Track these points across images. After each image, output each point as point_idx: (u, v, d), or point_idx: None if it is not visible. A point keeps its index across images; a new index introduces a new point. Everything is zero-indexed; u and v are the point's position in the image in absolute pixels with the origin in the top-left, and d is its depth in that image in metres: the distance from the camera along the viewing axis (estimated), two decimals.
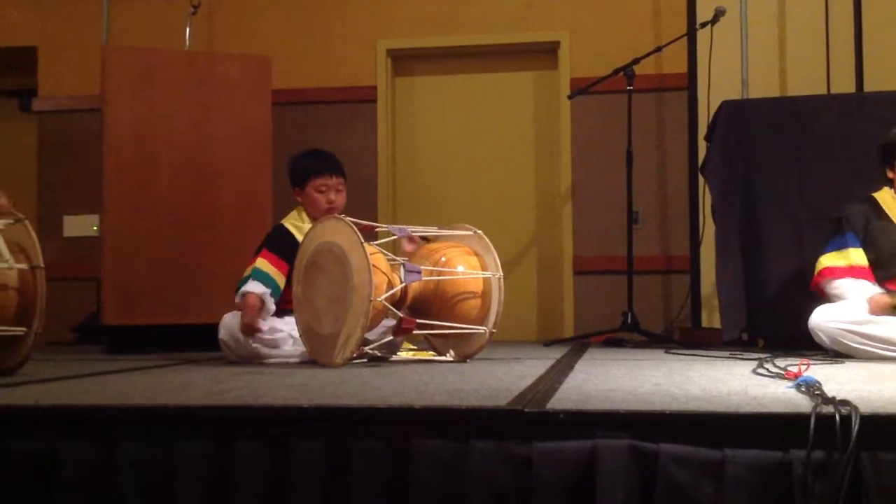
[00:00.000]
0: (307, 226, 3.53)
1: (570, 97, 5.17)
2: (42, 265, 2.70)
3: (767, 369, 2.62)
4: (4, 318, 2.66)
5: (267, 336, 3.36)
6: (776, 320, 4.00)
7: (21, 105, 6.04)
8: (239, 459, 1.77)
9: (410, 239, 3.37)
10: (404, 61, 5.82)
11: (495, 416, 1.73)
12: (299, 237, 3.44)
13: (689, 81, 5.10)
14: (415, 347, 3.60)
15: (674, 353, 3.66)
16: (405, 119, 5.81)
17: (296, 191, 3.66)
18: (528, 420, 1.71)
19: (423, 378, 2.48)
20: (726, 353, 3.47)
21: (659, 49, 4.81)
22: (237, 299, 3.41)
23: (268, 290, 3.40)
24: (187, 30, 4.84)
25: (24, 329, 2.67)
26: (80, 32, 5.72)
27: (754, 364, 2.82)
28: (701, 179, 4.55)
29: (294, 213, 3.64)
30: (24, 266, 2.68)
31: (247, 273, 3.45)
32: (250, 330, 3.31)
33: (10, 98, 6.25)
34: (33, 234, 2.75)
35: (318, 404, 1.82)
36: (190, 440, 1.78)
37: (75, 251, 5.53)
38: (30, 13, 5.88)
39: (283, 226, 3.61)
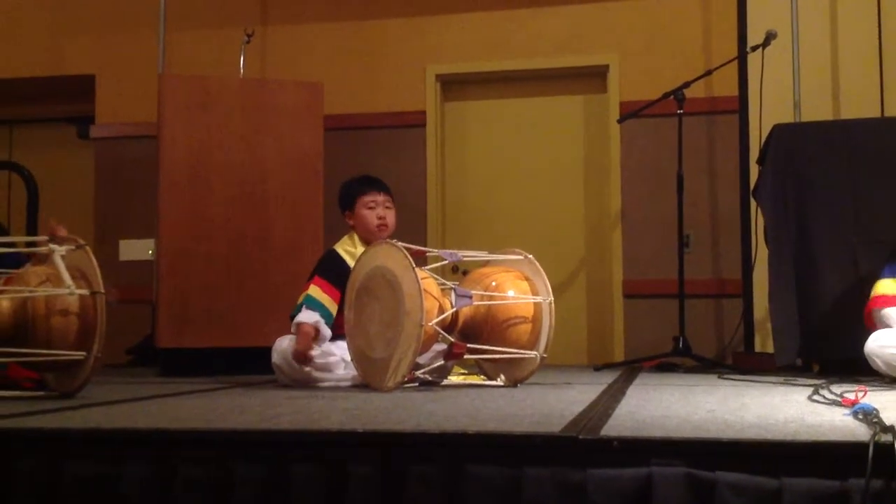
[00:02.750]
0: (359, 250, 3.55)
1: (619, 121, 5.17)
2: (102, 291, 2.75)
3: (823, 396, 2.58)
4: (65, 343, 2.71)
5: (319, 360, 3.38)
6: (831, 345, 3.94)
7: (79, 132, 6.18)
8: (294, 483, 1.79)
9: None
10: (453, 86, 5.86)
11: (549, 442, 1.73)
12: (351, 262, 3.47)
13: (740, 104, 5.08)
14: (465, 371, 3.61)
15: (727, 379, 3.62)
16: (454, 143, 5.85)
17: (346, 214, 3.70)
18: (582, 447, 1.71)
19: (474, 403, 2.49)
20: (781, 379, 3.43)
21: (709, 72, 4.79)
22: (292, 329, 3.45)
23: (321, 319, 3.42)
24: (241, 58, 4.92)
25: (84, 353, 2.72)
26: (136, 61, 5.84)
27: (809, 390, 2.78)
28: (753, 203, 4.51)
29: (346, 238, 3.68)
30: (84, 292, 2.74)
31: (300, 300, 3.49)
32: (303, 358, 3.34)
33: (69, 125, 6.39)
34: (94, 260, 2.81)
35: (373, 429, 1.84)
36: (246, 463, 1.80)
37: (131, 275, 5.62)
38: (88, 43, 6.02)
39: (334, 251, 3.65)
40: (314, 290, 3.48)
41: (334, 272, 3.48)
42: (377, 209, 3.63)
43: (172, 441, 1.82)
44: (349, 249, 3.62)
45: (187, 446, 1.81)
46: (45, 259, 2.88)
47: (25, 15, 6.09)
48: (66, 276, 2.72)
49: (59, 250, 2.79)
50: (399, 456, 1.77)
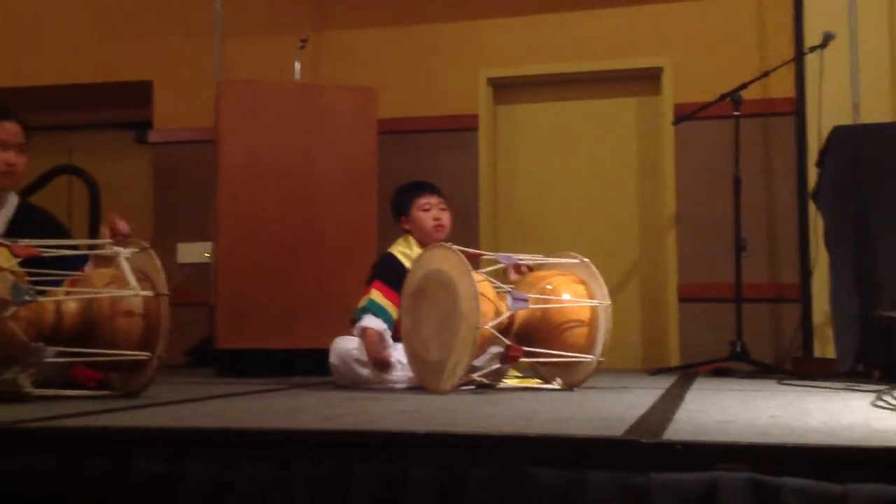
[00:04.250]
0: (415, 252, 3.59)
1: (674, 123, 5.13)
2: (166, 292, 2.80)
3: (887, 401, 2.54)
4: (130, 343, 2.76)
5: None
6: (893, 351, 3.87)
7: (137, 137, 6.30)
8: (354, 483, 1.81)
9: (517, 268, 3.39)
10: (505, 89, 5.86)
11: (611, 446, 1.73)
12: (408, 265, 3.51)
13: (797, 106, 5.02)
14: (520, 375, 3.60)
15: (787, 384, 3.58)
16: (506, 146, 5.85)
17: (402, 220, 3.72)
18: (644, 451, 1.70)
19: (532, 406, 2.49)
20: (842, 385, 3.38)
21: (766, 74, 4.74)
22: (356, 332, 3.48)
23: (385, 325, 3.46)
24: (296, 63, 4.98)
25: (149, 354, 2.77)
26: (193, 66, 5.94)
27: (872, 396, 2.73)
28: (811, 206, 4.46)
29: (401, 241, 3.70)
30: (148, 293, 2.79)
31: (362, 303, 3.52)
32: (383, 364, 3.36)
33: (127, 130, 6.51)
34: (157, 262, 2.86)
35: (433, 430, 1.85)
36: (308, 463, 1.82)
37: (189, 277, 5.71)
38: (146, 49, 6.13)
39: (391, 254, 3.67)
40: (376, 295, 3.51)
41: (394, 275, 3.50)
42: (432, 211, 3.65)
43: (237, 440, 1.85)
44: (406, 252, 3.64)
45: (251, 446, 1.83)
46: (110, 261, 2.94)
47: (84, 22, 6.22)
48: (131, 277, 2.77)
49: (124, 252, 2.85)
50: (459, 458, 1.77)
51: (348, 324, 3.56)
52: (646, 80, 5.65)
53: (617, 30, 5.59)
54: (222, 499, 1.83)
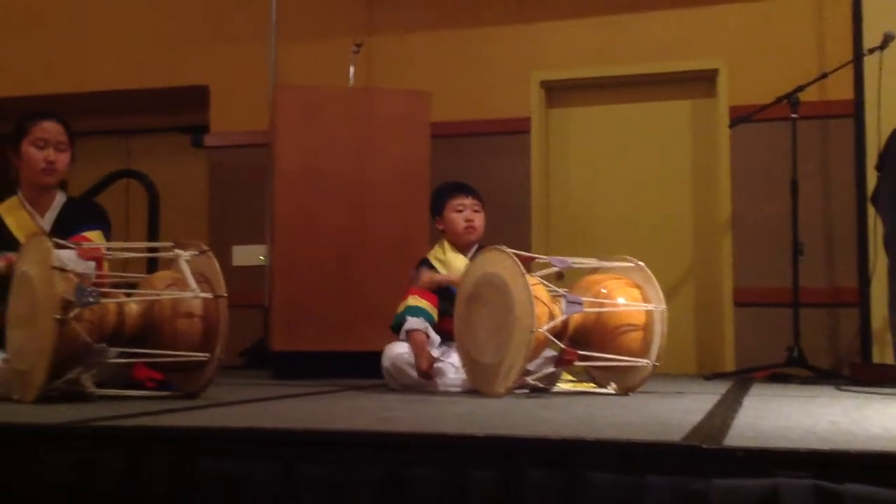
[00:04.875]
0: (448, 256, 3.67)
1: (731, 125, 5.07)
2: (225, 294, 2.85)
3: None
4: (190, 344, 2.81)
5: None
6: None
7: (193, 141, 6.38)
8: (413, 485, 1.82)
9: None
10: (558, 92, 5.85)
11: (671, 451, 1.72)
12: (442, 270, 3.61)
13: (856, 109, 4.93)
14: (574, 378, 3.59)
15: (846, 390, 3.52)
16: (559, 150, 5.84)
17: (437, 220, 3.78)
18: (705, 456, 1.69)
19: (587, 410, 2.49)
20: None
21: (825, 76, 4.67)
22: (402, 337, 3.51)
23: (426, 323, 3.49)
24: (351, 68, 5.02)
25: (208, 355, 2.82)
26: (249, 71, 6.01)
27: None
28: (870, 209, 4.38)
29: (437, 248, 3.76)
30: (208, 295, 2.84)
31: (400, 310, 3.55)
32: (428, 371, 3.38)
33: (183, 134, 6.61)
34: (216, 264, 2.91)
35: (492, 433, 1.86)
36: (366, 464, 1.84)
37: (243, 280, 5.78)
38: (203, 54, 6.22)
39: (427, 260, 3.72)
40: (414, 300, 3.55)
41: None
42: (465, 212, 3.68)
43: (301, 441, 1.87)
44: (439, 257, 3.70)
45: (314, 446, 1.86)
46: (170, 264, 3.00)
47: (144, 28, 6.32)
48: (191, 280, 2.82)
49: (185, 255, 2.90)
50: (517, 461, 1.78)
51: (391, 332, 3.60)
52: (701, 83, 5.60)
53: (671, 31, 5.55)
54: (285, 499, 1.85)
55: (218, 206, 6.12)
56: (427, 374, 3.38)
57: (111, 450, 1.89)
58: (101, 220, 3.28)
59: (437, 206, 3.77)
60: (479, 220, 3.70)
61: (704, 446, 1.71)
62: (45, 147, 3.19)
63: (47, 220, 3.23)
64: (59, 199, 3.29)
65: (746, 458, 1.66)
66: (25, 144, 3.20)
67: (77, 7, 6.43)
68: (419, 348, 3.42)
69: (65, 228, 3.13)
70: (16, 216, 3.22)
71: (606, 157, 5.74)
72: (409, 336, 3.47)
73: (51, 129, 3.22)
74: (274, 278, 4.63)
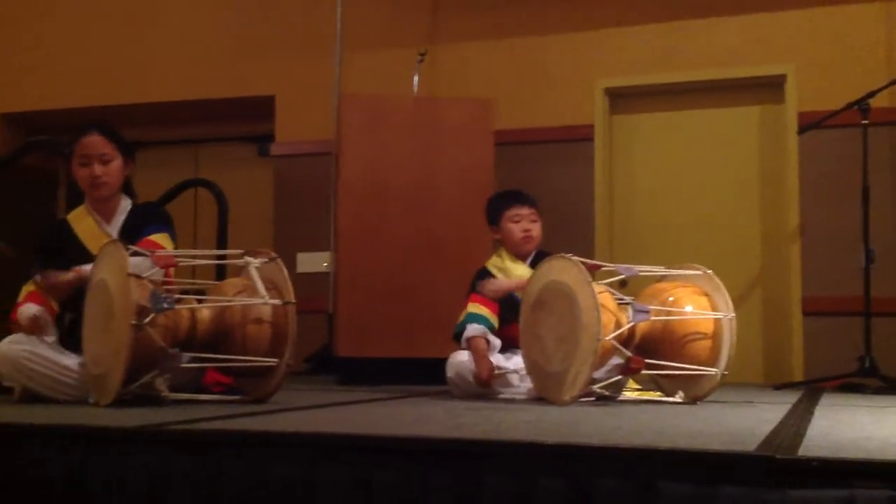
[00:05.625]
0: (506, 264, 3.67)
1: (800, 132, 4.99)
2: (293, 301, 2.89)
3: None
4: (259, 350, 2.86)
5: (495, 373, 3.43)
6: None
7: (259, 150, 6.48)
8: (484, 492, 1.82)
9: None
10: (622, 99, 5.82)
11: (745, 461, 1.70)
12: (501, 277, 3.62)
13: None
14: (640, 387, 3.57)
15: None
16: (623, 157, 5.80)
17: (493, 229, 3.78)
18: (779, 467, 1.67)
19: (656, 419, 2.47)
20: None
21: (895, 82, 4.58)
22: (462, 344, 3.52)
23: (487, 329, 3.51)
24: (415, 77, 5.05)
25: (277, 360, 2.86)
26: (314, 81, 6.08)
27: None
28: None
29: (495, 256, 3.76)
30: (277, 301, 2.88)
31: (461, 318, 3.56)
32: (487, 379, 3.38)
33: (249, 144, 6.71)
34: (285, 272, 2.95)
35: (563, 441, 1.86)
36: (438, 471, 1.85)
37: (307, 286, 5.84)
38: (269, 65, 6.31)
39: (486, 269, 3.73)
40: (473, 307, 3.57)
41: None
42: (522, 222, 3.67)
43: (372, 446, 1.89)
44: (498, 265, 3.71)
45: (386, 452, 1.87)
46: (240, 271, 3.05)
47: (212, 40, 6.44)
48: (260, 287, 2.87)
49: (254, 262, 2.95)
50: (588, 469, 1.77)
51: (452, 341, 3.62)
52: (768, 89, 5.52)
53: (738, 37, 5.49)
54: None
55: (283, 214, 6.20)
56: (486, 383, 3.38)
57: (188, 453, 1.93)
58: (165, 223, 3.30)
59: (494, 215, 3.76)
60: (536, 229, 3.69)
61: (779, 456, 1.69)
62: (89, 163, 3.21)
63: (114, 227, 3.27)
64: (125, 204, 3.32)
65: (822, 469, 1.64)
66: (74, 163, 3.26)
67: (148, 22, 6.57)
68: (479, 356, 3.42)
69: (131, 233, 3.17)
70: (84, 224, 3.28)
71: (671, 164, 5.69)
72: (469, 343, 3.48)
73: (91, 143, 3.23)
74: (339, 285, 4.68)
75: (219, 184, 5.92)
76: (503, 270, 3.65)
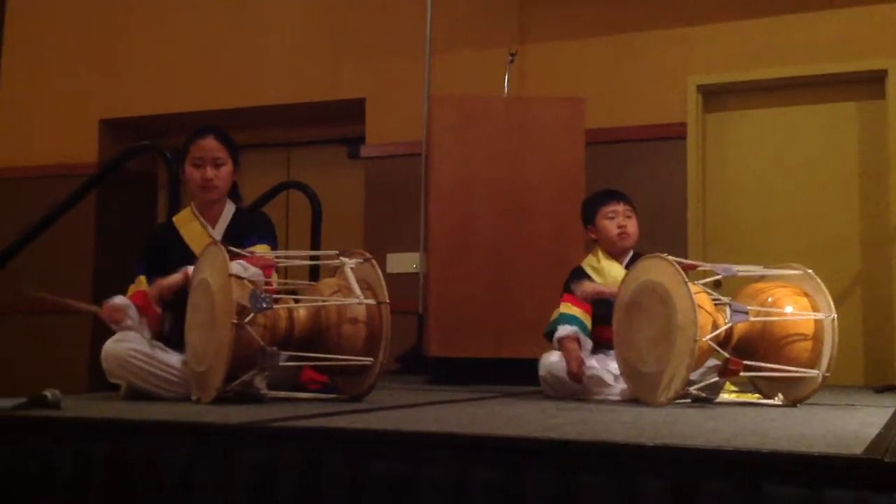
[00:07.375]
0: (602, 264, 3.65)
1: None
2: (387, 300, 2.93)
3: None
4: (354, 349, 2.90)
5: (588, 374, 3.42)
6: None
7: (350, 152, 6.56)
8: (583, 493, 1.82)
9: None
10: (715, 96, 5.72)
11: (852, 464, 1.67)
12: (596, 277, 3.60)
13: None
14: (736, 389, 3.51)
15: None
16: (716, 155, 5.70)
17: (589, 229, 3.76)
18: (887, 470, 1.64)
19: (757, 421, 2.43)
20: None
21: None
22: (554, 344, 3.51)
23: (579, 329, 3.49)
24: (506, 77, 5.05)
25: (372, 359, 2.90)
26: (404, 83, 6.13)
27: None
28: None
29: (591, 255, 3.74)
30: (371, 301, 2.92)
31: (553, 317, 3.55)
32: (578, 372, 3.37)
33: (340, 146, 6.80)
34: (379, 272, 2.99)
35: (664, 443, 1.84)
36: (536, 470, 1.85)
37: (397, 286, 5.88)
38: (360, 68, 6.38)
39: (580, 268, 3.71)
40: (566, 307, 3.55)
41: None
42: (617, 218, 3.65)
43: (471, 445, 1.91)
44: (593, 265, 3.68)
45: (484, 450, 1.89)
46: (334, 272, 3.10)
47: (305, 44, 6.54)
48: (355, 287, 2.91)
49: (350, 263, 2.99)
50: (690, 472, 1.76)
51: (544, 340, 3.61)
52: (868, 84, 5.36)
53: (836, 32, 5.34)
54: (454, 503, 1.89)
55: (373, 215, 6.27)
56: (578, 377, 3.36)
57: (292, 450, 1.97)
58: (269, 236, 3.35)
59: (589, 214, 3.75)
60: (631, 225, 3.66)
61: (887, 460, 1.65)
62: (203, 165, 3.28)
63: (218, 231, 3.34)
64: (229, 209, 3.39)
65: None
66: (187, 164, 3.33)
67: (243, 28, 6.71)
68: (569, 353, 3.41)
69: (235, 238, 3.23)
70: (189, 227, 3.36)
71: (766, 162, 5.58)
72: (560, 343, 3.48)
73: (206, 146, 3.30)
74: (430, 285, 4.71)
75: (311, 186, 6.03)
76: (598, 270, 3.63)
